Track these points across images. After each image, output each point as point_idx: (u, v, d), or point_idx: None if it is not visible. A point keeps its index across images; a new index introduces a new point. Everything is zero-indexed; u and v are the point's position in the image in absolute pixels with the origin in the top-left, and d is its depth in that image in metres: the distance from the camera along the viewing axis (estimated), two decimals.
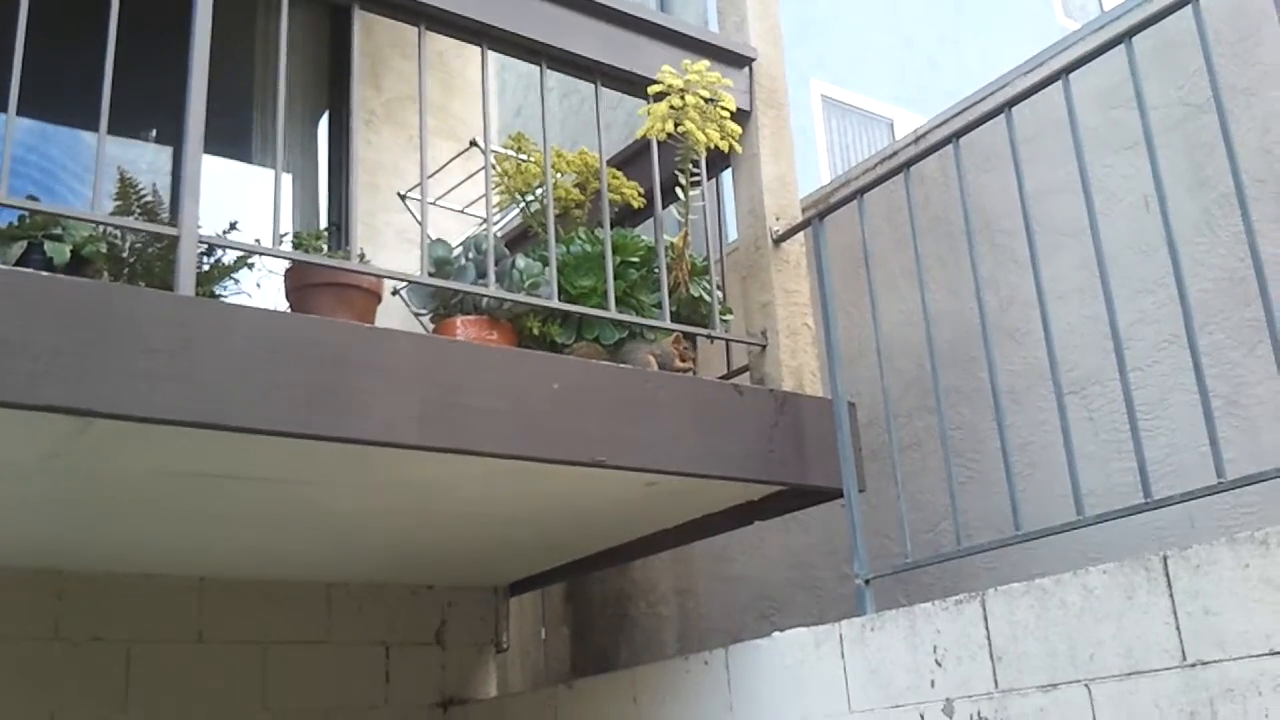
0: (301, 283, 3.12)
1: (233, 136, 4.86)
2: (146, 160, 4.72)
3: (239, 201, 4.67)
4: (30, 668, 3.76)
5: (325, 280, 3.10)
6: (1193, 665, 2.25)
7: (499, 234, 4.41)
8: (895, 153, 4.28)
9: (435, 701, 4.51)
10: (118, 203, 3.22)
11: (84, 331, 2.37)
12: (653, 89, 3.34)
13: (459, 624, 4.63)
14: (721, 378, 3.72)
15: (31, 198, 3.06)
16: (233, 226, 3.31)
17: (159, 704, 3.94)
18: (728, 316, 3.67)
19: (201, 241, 2.72)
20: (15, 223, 2.88)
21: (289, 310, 3.18)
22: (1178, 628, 2.28)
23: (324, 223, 4.87)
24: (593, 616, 5.40)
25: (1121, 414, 3.32)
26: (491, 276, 3.09)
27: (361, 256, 3.18)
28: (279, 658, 4.19)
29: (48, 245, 2.77)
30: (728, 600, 4.75)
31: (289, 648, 4.21)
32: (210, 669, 4.05)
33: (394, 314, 3.51)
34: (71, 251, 2.83)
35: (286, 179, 4.93)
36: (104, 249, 2.92)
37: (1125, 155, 3.53)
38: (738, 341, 3.64)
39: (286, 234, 3.12)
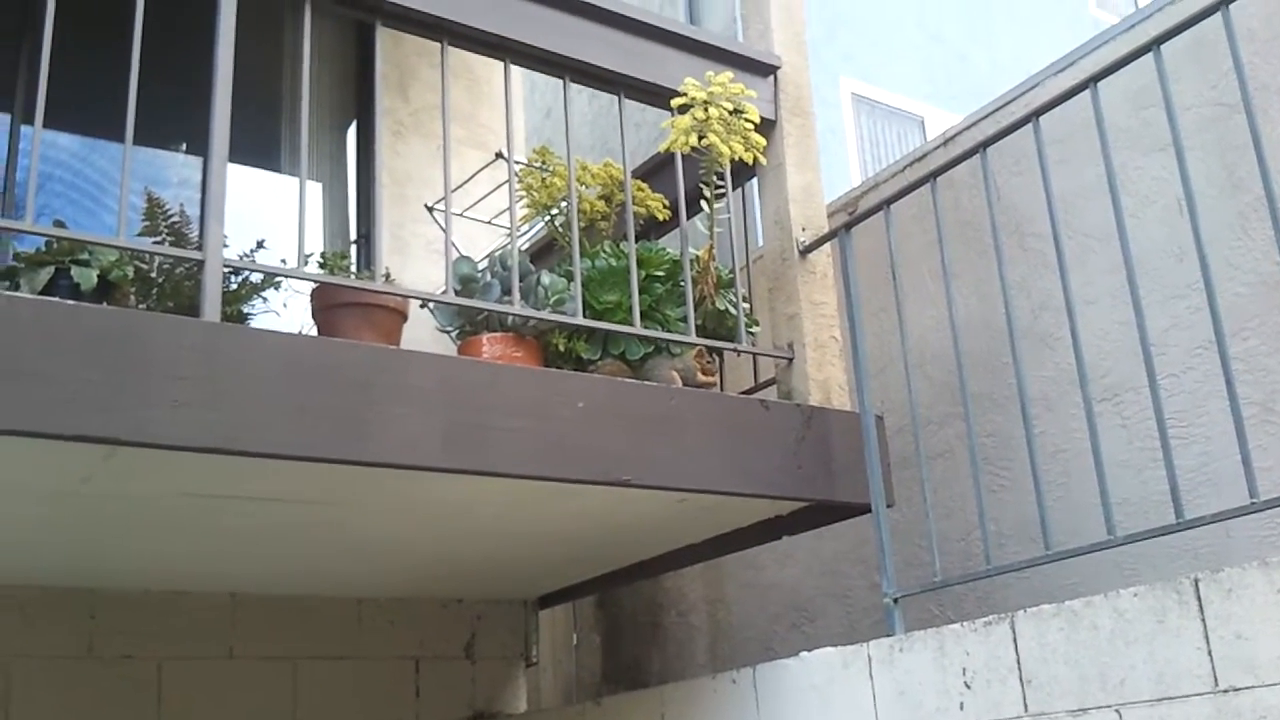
0: (327, 302, 3.13)
1: (263, 147, 4.88)
2: (179, 174, 4.76)
3: (269, 209, 4.70)
4: (64, 686, 3.80)
5: (350, 300, 3.10)
6: (1225, 691, 2.21)
7: (526, 246, 4.41)
8: (924, 155, 4.24)
9: (465, 716, 4.51)
10: (145, 223, 3.24)
11: (109, 360, 2.39)
12: (676, 101, 3.31)
13: (488, 638, 4.63)
14: (748, 391, 3.70)
15: (58, 223, 3.09)
16: (260, 245, 3.32)
17: None
18: (754, 328, 3.65)
19: (226, 265, 2.73)
20: (42, 248, 2.90)
21: (315, 329, 3.19)
22: (1210, 653, 2.25)
23: (354, 233, 4.88)
24: (624, 626, 5.40)
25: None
26: (516, 294, 3.08)
27: (387, 276, 3.19)
28: (309, 673, 4.20)
29: (74, 271, 2.79)
30: (759, 609, 4.73)
31: (319, 663, 4.23)
32: (241, 685, 4.07)
33: (424, 325, 3.51)
34: (99, 276, 2.85)
35: (316, 188, 4.95)
36: (131, 272, 2.93)
37: (1157, 157, 3.48)
38: (764, 355, 3.61)
39: (312, 254, 3.12)
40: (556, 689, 5.60)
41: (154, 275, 3.12)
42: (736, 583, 4.85)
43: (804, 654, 3.12)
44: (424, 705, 4.41)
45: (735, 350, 3.47)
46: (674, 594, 5.14)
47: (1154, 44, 2.79)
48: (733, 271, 3.59)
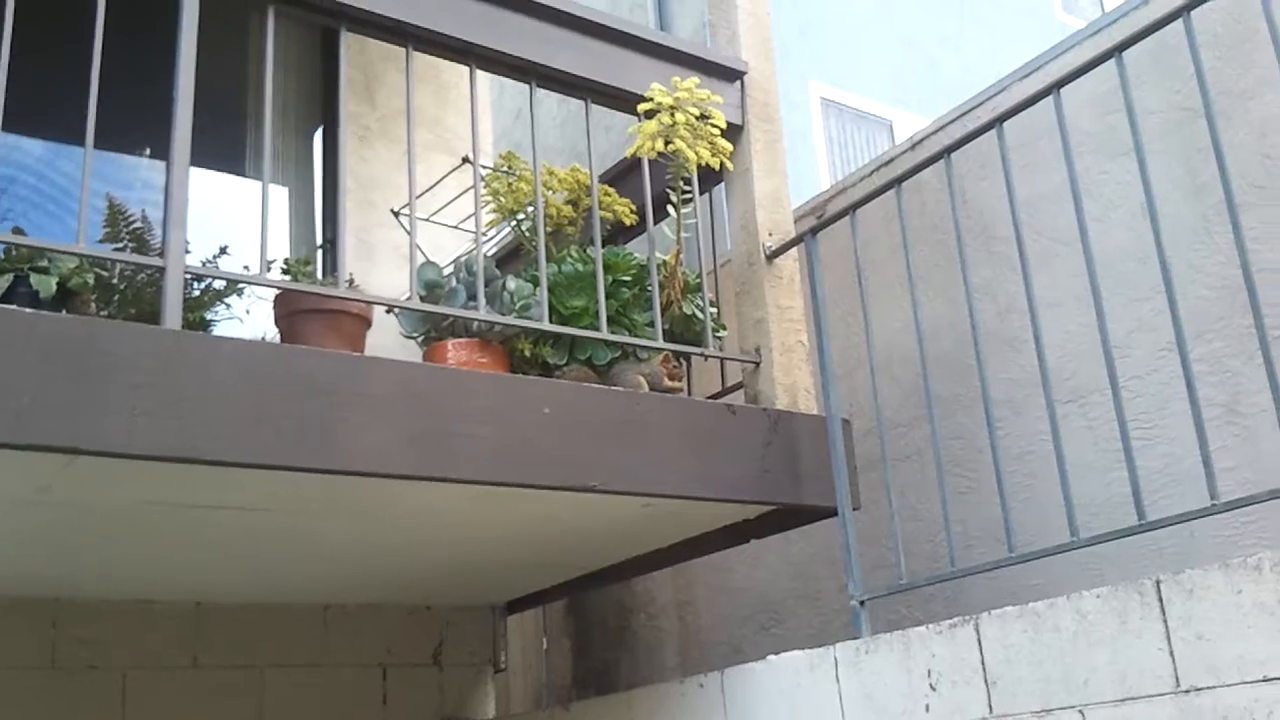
0: (290, 309, 3.11)
1: (229, 152, 4.85)
2: (144, 179, 4.72)
3: (236, 214, 4.67)
4: (26, 697, 3.75)
5: (314, 307, 3.08)
6: (1187, 691, 2.22)
7: (493, 251, 4.40)
8: (892, 159, 4.26)
9: None
10: (107, 230, 3.21)
11: (69, 368, 2.36)
12: (642, 106, 3.31)
13: (456, 644, 4.61)
14: (716, 395, 3.71)
15: (17, 229, 3.06)
16: (223, 251, 3.30)
17: None
18: (722, 332, 3.65)
19: (188, 272, 2.72)
20: (1, 255, 2.87)
21: (279, 336, 3.17)
22: (1171, 653, 2.26)
23: (320, 238, 4.86)
24: (594, 630, 5.39)
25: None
26: (481, 299, 3.07)
27: (350, 282, 3.17)
28: (276, 681, 4.17)
29: (33, 278, 2.76)
30: (729, 612, 4.73)
31: (286, 671, 4.19)
32: (206, 694, 4.03)
33: (391, 331, 3.49)
34: (58, 283, 2.82)
35: (283, 193, 4.93)
36: (91, 279, 2.91)
37: (1122, 161, 3.50)
38: (731, 360, 3.62)
39: (275, 260, 3.10)
40: (527, 694, 5.59)
41: (116, 282, 3.10)
42: (706, 585, 4.85)
43: (771, 657, 3.12)
44: (391, 712, 4.38)
45: (702, 355, 3.47)
46: (644, 598, 5.14)
47: (1116, 50, 2.80)
48: (700, 276, 3.59)
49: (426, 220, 4.16)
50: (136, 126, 4.48)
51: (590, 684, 5.32)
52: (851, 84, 9.19)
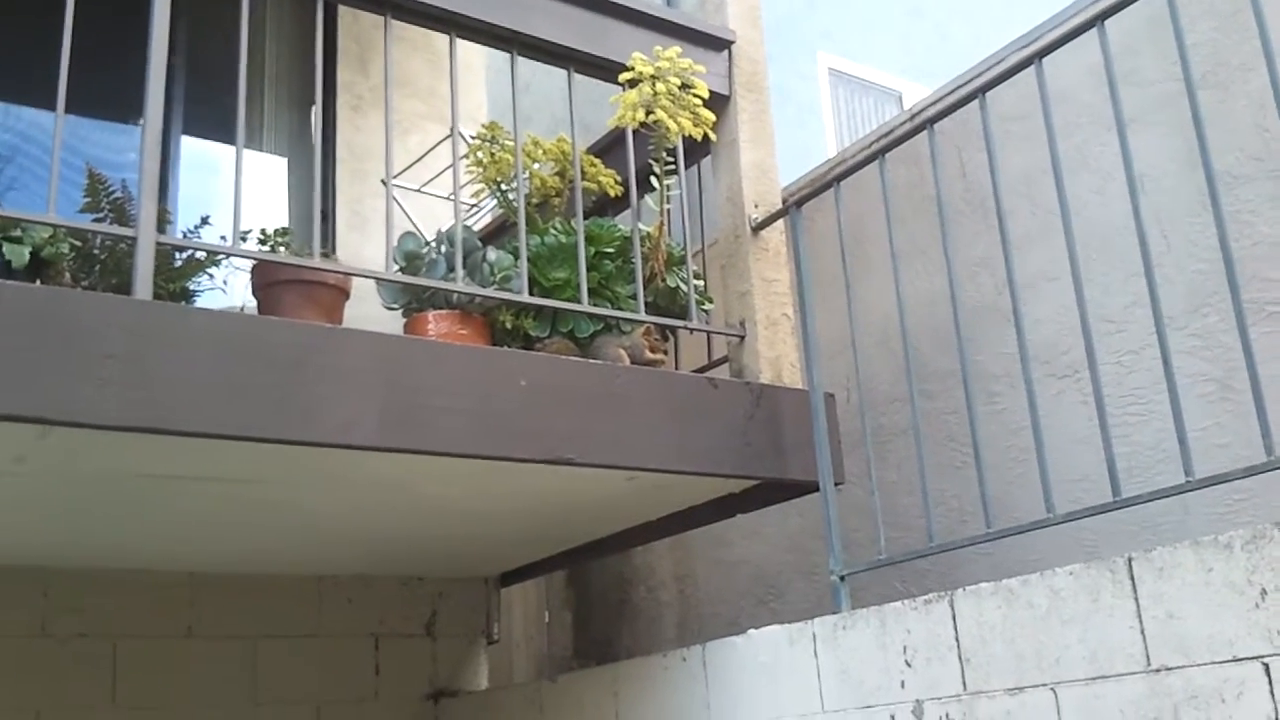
0: (267, 280, 3.10)
1: (222, 120, 4.84)
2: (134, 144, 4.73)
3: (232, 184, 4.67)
4: (16, 665, 3.79)
5: (290, 278, 3.07)
6: (1157, 671, 2.19)
7: (486, 223, 4.37)
8: (890, 131, 4.20)
9: (426, 693, 4.51)
10: (87, 200, 3.21)
11: (38, 338, 2.35)
12: (624, 76, 3.27)
13: (450, 615, 4.61)
14: (701, 369, 3.68)
15: None
16: (204, 221, 3.30)
17: (147, 700, 3.95)
18: (707, 306, 3.62)
19: (160, 244, 2.70)
20: None
21: (257, 306, 3.16)
22: (1142, 632, 2.23)
23: (318, 210, 4.85)
24: (594, 602, 5.39)
25: (1118, 397, 3.26)
26: (460, 270, 3.05)
27: (325, 254, 3.15)
28: (269, 651, 4.19)
29: (5, 248, 2.75)
30: (727, 585, 4.71)
31: (279, 641, 4.22)
32: (199, 663, 4.06)
33: (376, 301, 3.47)
34: (32, 253, 2.81)
35: (281, 164, 4.92)
36: (66, 249, 2.90)
37: None
38: (714, 333, 3.58)
39: (250, 230, 3.08)
40: (529, 665, 5.60)
41: (97, 252, 3.10)
42: (705, 559, 4.83)
43: (751, 631, 3.11)
44: (384, 683, 4.40)
45: (684, 327, 3.44)
46: (643, 570, 5.13)
47: (1099, 19, 2.75)
48: (685, 249, 3.56)
49: (417, 191, 4.14)
50: (132, 95, 4.48)
51: (591, 656, 5.32)
52: (860, 55, 9.07)
